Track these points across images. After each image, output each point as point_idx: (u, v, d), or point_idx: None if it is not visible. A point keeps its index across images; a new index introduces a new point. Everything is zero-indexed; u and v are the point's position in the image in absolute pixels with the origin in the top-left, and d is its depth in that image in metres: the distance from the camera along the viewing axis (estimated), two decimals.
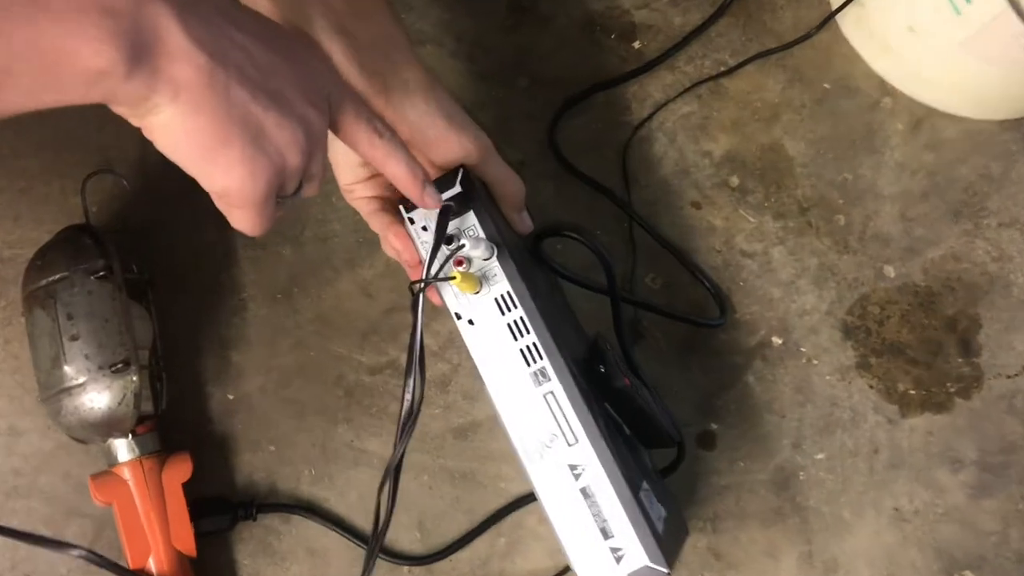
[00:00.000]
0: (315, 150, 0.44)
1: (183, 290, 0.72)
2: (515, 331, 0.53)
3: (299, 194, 0.46)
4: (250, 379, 0.72)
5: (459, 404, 0.72)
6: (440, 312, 0.61)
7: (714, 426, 0.73)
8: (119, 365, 0.60)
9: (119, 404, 0.60)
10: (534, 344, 0.53)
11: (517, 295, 0.53)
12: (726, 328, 0.74)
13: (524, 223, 0.62)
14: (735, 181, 0.77)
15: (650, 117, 0.79)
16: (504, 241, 0.54)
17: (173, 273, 0.72)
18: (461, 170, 0.55)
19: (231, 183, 0.41)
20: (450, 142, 0.56)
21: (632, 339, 0.72)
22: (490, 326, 0.53)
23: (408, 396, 0.52)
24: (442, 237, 0.54)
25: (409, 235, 0.56)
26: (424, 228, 0.55)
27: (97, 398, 0.60)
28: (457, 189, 0.55)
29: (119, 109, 0.39)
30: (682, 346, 0.74)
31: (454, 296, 0.54)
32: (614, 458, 0.51)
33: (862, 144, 0.79)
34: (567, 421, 0.52)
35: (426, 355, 0.50)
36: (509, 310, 0.53)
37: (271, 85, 0.41)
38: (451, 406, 0.72)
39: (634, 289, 0.74)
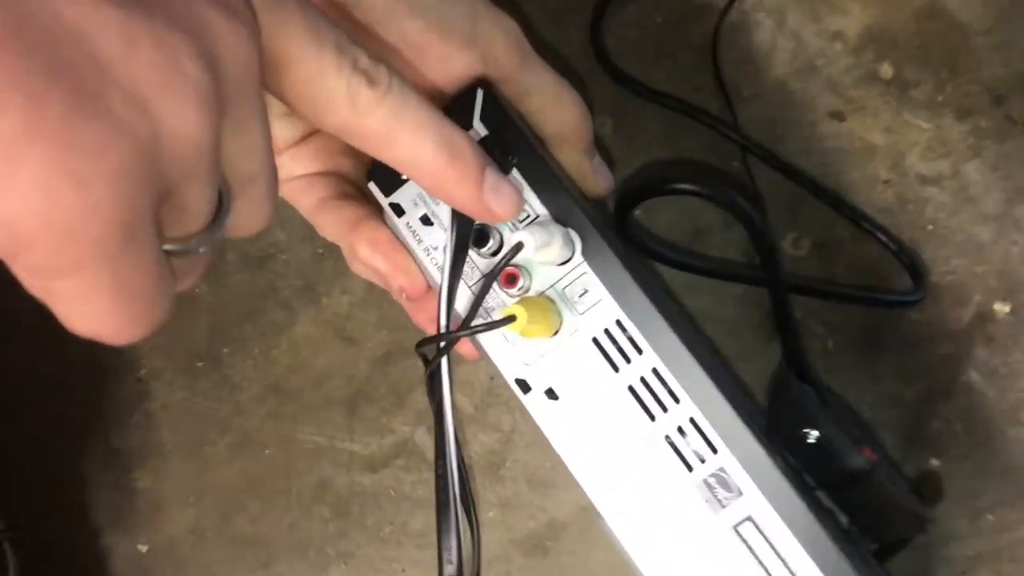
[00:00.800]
0: (235, 99, 0.22)
1: (36, 380, 0.44)
2: (649, 401, 0.30)
3: (221, 222, 0.23)
4: (172, 514, 0.49)
5: (524, 496, 0.46)
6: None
7: (934, 462, 0.48)
8: None
9: None
10: (692, 422, 0.29)
11: (641, 324, 0.30)
12: (922, 302, 0.50)
13: (601, 177, 0.39)
14: (887, 71, 0.53)
15: None
16: (592, 217, 0.31)
17: (13, 357, 0.44)
18: (481, 92, 0.31)
19: (22, 207, 0.18)
20: (454, 40, 0.32)
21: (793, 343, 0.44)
22: (594, 397, 0.30)
23: (450, 567, 0.30)
24: (467, 236, 0.31)
25: (399, 239, 0.33)
26: (425, 220, 0.32)
27: None
28: (479, 131, 0.31)
29: None
30: (860, 342, 0.50)
31: (509, 345, 0.31)
32: None
33: None
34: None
35: (461, 421, 0.33)
36: (628, 359, 0.30)
37: None
38: (511, 502, 0.46)
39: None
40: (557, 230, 0.29)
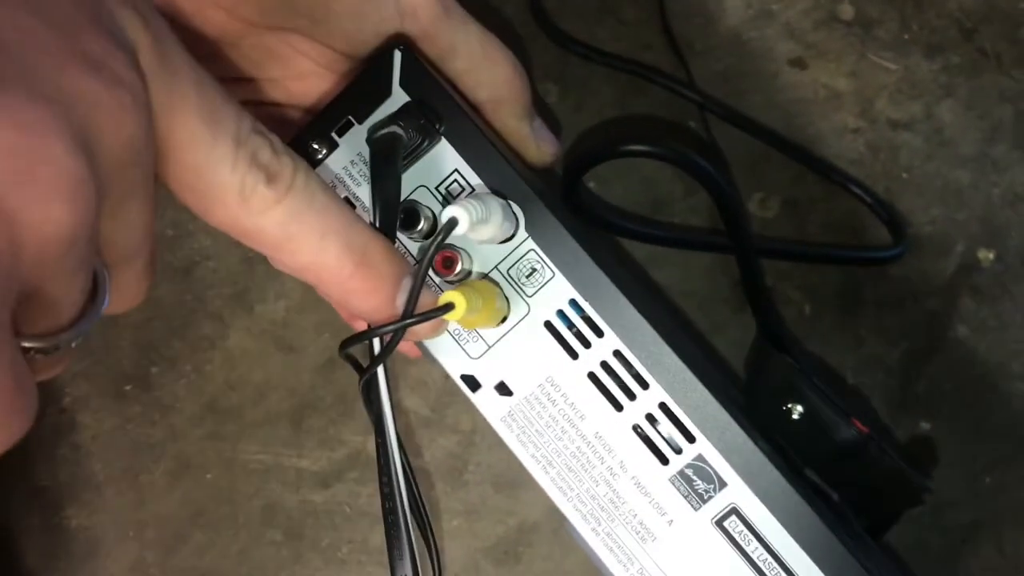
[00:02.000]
0: (117, 180, 0.19)
1: None
2: (613, 389, 0.27)
3: (95, 311, 0.20)
4: (111, 552, 0.44)
5: (490, 501, 0.43)
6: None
7: (925, 425, 0.46)
8: None
9: None
10: (663, 408, 0.27)
11: (598, 302, 0.27)
12: (903, 256, 0.47)
13: (544, 142, 0.35)
14: (848, 11, 0.51)
15: None
16: (535, 187, 0.28)
17: None
18: (399, 52, 0.29)
19: None
20: None
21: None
22: (551, 389, 0.28)
23: None
24: (392, 211, 0.27)
25: None
26: (349, 202, 0.29)
27: None
28: (399, 97, 0.29)
29: None
30: (838, 304, 0.47)
31: (452, 338, 0.29)
32: None
33: None
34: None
35: (416, 424, 0.32)
36: (587, 343, 0.27)
37: None
38: (477, 508, 0.43)
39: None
40: (495, 202, 0.26)
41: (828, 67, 0.49)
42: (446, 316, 0.24)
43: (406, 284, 0.25)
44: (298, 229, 0.23)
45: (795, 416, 0.30)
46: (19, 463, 0.44)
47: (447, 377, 0.46)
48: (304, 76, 0.31)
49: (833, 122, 0.48)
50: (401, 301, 0.24)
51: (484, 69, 0.31)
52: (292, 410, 0.45)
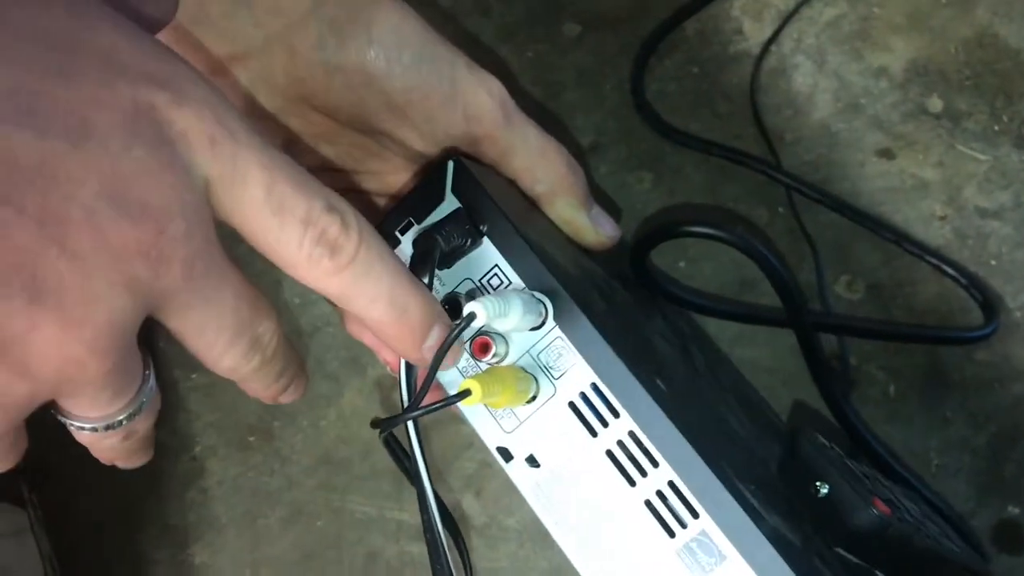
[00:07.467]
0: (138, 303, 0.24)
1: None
2: (627, 466, 0.31)
3: (139, 399, 0.26)
4: None
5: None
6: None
7: (1014, 509, 0.49)
8: None
9: None
10: (671, 485, 0.30)
11: (615, 386, 0.31)
12: (990, 339, 0.50)
13: (602, 228, 0.40)
14: (937, 104, 0.56)
15: (776, 37, 0.57)
16: (564, 281, 0.33)
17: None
18: (451, 163, 0.34)
19: None
20: (435, 100, 0.35)
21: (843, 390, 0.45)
22: (574, 463, 0.32)
23: None
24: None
25: None
26: None
27: None
28: (451, 202, 0.34)
29: None
30: (924, 386, 0.50)
31: (488, 416, 0.33)
32: None
33: None
34: None
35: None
36: (605, 423, 0.31)
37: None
38: (562, 568, 0.45)
39: (824, 305, 0.48)
40: (517, 297, 0.31)
41: (916, 157, 0.53)
42: (463, 402, 0.29)
43: (435, 333, 0.29)
44: (353, 292, 0.28)
45: (821, 495, 0.33)
46: (154, 502, 0.51)
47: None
48: (397, 170, 0.38)
49: (920, 209, 0.52)
50: (427, 347, 0.29)
51: (541, 167, 0.37)
52: (395, 466, 0.50)
